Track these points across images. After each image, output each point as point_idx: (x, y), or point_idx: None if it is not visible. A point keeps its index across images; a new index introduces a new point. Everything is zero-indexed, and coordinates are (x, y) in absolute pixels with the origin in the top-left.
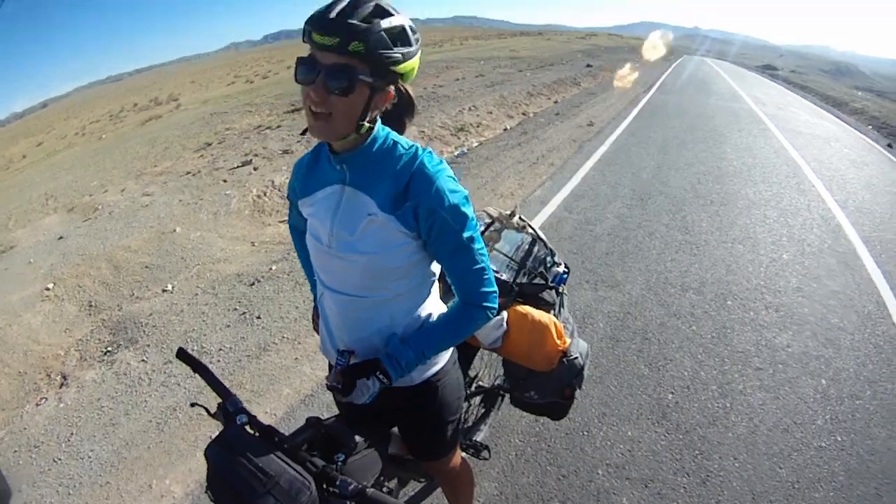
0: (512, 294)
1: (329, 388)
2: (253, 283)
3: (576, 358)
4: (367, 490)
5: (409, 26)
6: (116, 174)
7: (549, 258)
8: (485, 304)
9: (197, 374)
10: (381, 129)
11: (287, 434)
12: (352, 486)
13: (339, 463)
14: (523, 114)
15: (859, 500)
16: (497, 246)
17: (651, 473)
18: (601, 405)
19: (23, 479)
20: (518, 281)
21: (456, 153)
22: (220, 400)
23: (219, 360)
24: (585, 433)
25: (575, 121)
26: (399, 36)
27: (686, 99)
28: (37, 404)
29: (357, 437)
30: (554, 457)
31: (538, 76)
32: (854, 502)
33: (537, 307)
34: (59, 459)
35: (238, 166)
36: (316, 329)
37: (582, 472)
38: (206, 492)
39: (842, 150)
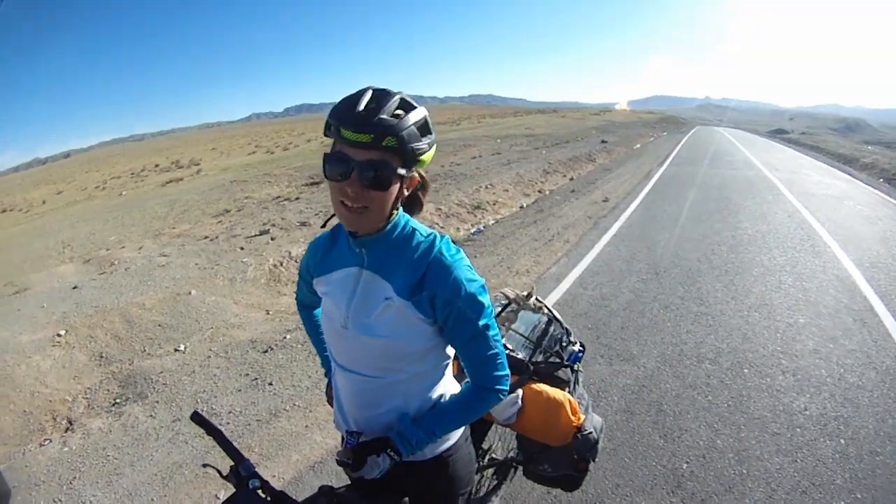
0: (527, 372)
1: (339, 463)
2: (266, 351)
3: (590, 433)
4: None
5: (428, 116)
6: (134, 231)
7: (565, 337)
8: (497, 387)
9: (211, 437)
10: (401, 216)
11: (300, 500)
12: None
13: None
14: (539, 191)
15: None
16: (514, 326)
17: None
18: (615, 476)
19: None
20: (534, 360)
21: (472, 231)
22: (232, 463)
23: (228, 423)
24: None
25: (590, 197)
26: (424, 127)
27: (699, 170)
28: (40, 444)
29: None
30: None
31: (554, 153)
32: None
33: (553, 385)
34: (60, 500)
35: (256, 235)
36: (330, 403)
37: None
38: None
39: (855, 207)
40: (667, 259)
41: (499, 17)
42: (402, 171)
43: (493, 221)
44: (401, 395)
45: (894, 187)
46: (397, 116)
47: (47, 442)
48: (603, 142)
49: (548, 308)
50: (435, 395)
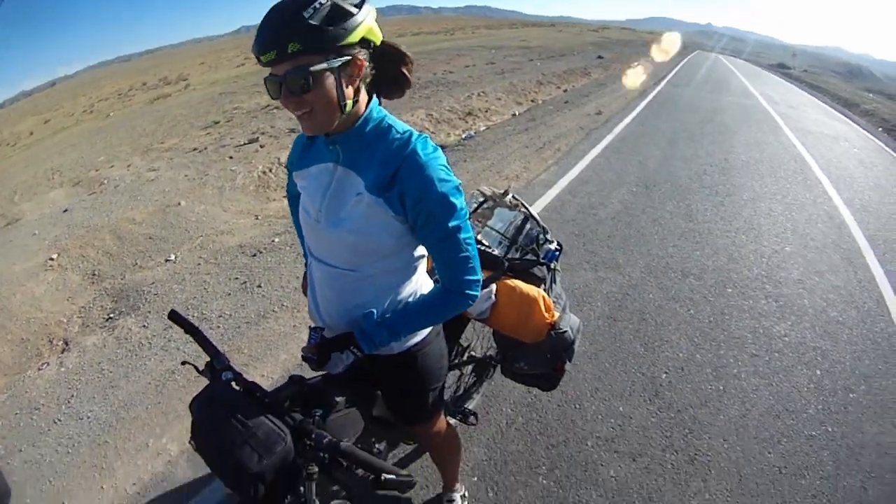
0: (502, 268)
1: (304, 358)
2: (255, 255)
3: (565, 332)
4: (341, 444)
5: (336, 1)
6: (123, 150)
7: (541, 235)
8: (466, 291)
9: (189, 335)
10: (375, 111)
11: (270, 391)
12: (326, 440)
13: (317, 417)
14: (532, 101)
15: (845, 491)
16: (489, 223)
17: (640, 448)
18: (595, 380)
19: (23, 440)
20: (509, 256)
21: (463, 136)
22: (209, 359)
23: (218, 327)
24: (577, 406)
25: (583, 109)
26: (330, 15)
27: (697, 93)
28: (38, 369)
29: (339, 397)
30: (544, 427)
31: (549, 66)
32: (839, 493)
33: (528, 282)
34: (59, 420)
35: (244, 143)
36: (305, 292)
37: (571, 443)
38: (189, 442)
39: (850, 149)
40: (658, 175)
41: None
42: (321, 66)
43: (484, 128)
44: (371, 289)
45: (893, 137)
46: (293, 21)
47: (45, 366)
48: (599, 57)
49: (524, 206)
50: (405, 292)
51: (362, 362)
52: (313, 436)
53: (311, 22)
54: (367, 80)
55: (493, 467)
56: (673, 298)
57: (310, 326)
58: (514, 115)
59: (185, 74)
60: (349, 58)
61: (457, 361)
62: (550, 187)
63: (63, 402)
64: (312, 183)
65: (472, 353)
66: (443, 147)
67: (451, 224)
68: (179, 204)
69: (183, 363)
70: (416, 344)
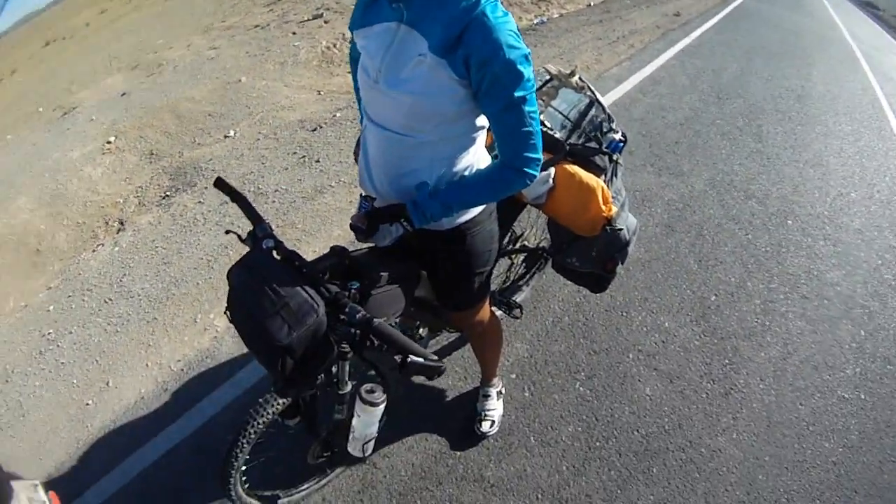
0: (563, 152)
1: (351, 227)
2: (315, 129)
3: (621, 230)
4: (374, 321)
5: None
6: (183, 31)
7: (605, 123)
8: (525, 169)
9: (235, 203)
10: None
11: (310, 261)
12: (359, 315)
13: (353, 290)
14: None
15: (862, 467)
16: (553, 103)
17: (679, 370)
18: (645, 290)
19: (74, 322)
20: (570, 141)
21: (535, 21)
22: (251, 227)
23: (274, 202)
24: (624, 314)
25: (662, 8)
26: None
27: (780, 12)
28: (93, 251)
29: (382, 273)
30: (589, 331)
31: None
32: (857, 468)
33: (588, 170)
34: (110, 300)
35: (308, 19)
36: (356, 159)
37: (613, 353)
38: (224, 313)
39: None
40: (732, 88)
41: None
42: None
43: (557, 15)
44: (427, 157)
45: None
46: None
47: (100, 247)
48: None
49: (591, 89)
50: (461, 164)
51: (411, 237)
52: (346, 310)
53: None
54: None
55: (533, 366)
56: (733, 219)
57: (360, 195)
58: (589, 5)
59: None
60: None
61: (508, 249)
62: (621, 82)
63: (115, 282)
64: (373, 42)
65: (525, 242)
66: None
67: (516, 93)
68: (240, 80)
69: (227, 232)
70: (467, 222)
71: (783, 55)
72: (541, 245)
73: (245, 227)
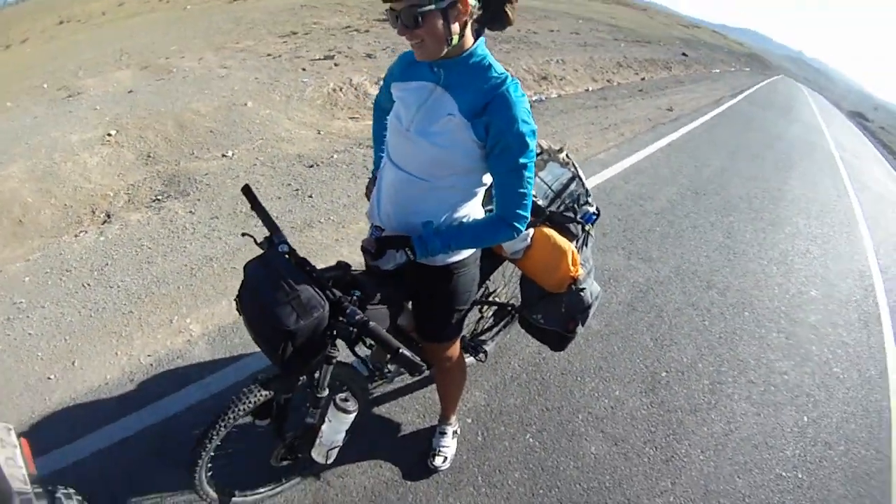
0: (542, 217)
1: (363, 249)
2: (311, 166)
3: (584, 289)
4: (370, 323)
5: None
6: (196, 44)
7: (582, 197)
8: (515, 223)
9: (254, 211)
10: (480, 48)
11: (318, 268)
12: (358, 317)
13: (355, 297)
14: (608, 81)
15: None
16: (541, 174)
17: (624, 434)
18: (601, 359)
19: (47, 298)
20: (551, 208)
21: (534, 98)
22: (268, 234)
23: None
24: (578, 379)
25: (656, 102)
26: None
27: (770, 116)
28: (76, 235)
29: (376, 292)
30: (544, 389)
31: (632, 50)
32: None
33: (562, 234)
34: (88, 285)
35: (319, 59)
36: (368, 195)
37: (564, 412)
38: (234, 299)
39: None
40: (710, 184)
41: None
42: (429, 7)
43: (555, 95)
44: (435, 200)
45: None
46: None
47: (83, 233)
48: (683, 55)
49: (574, 166)
50: (462, 211)
51: (408, 269)
52: (347, 311)
53: None
54: (475, 16)
55: (489, 414)
56: (692, 305)
57: (371, 224)
58: (587, 90)
59: None
60: (456, 1)
61: (481, 300)
62: (607, 167)
63: (96, 270)
64: (410, 95)
65: (496, 297)
66: None
67: (521, 160)
68: (246, 104)
69: (243, 234)
70: (456, 263)
71: (765, 157)
72: (510, 302)
73: (232, 245)
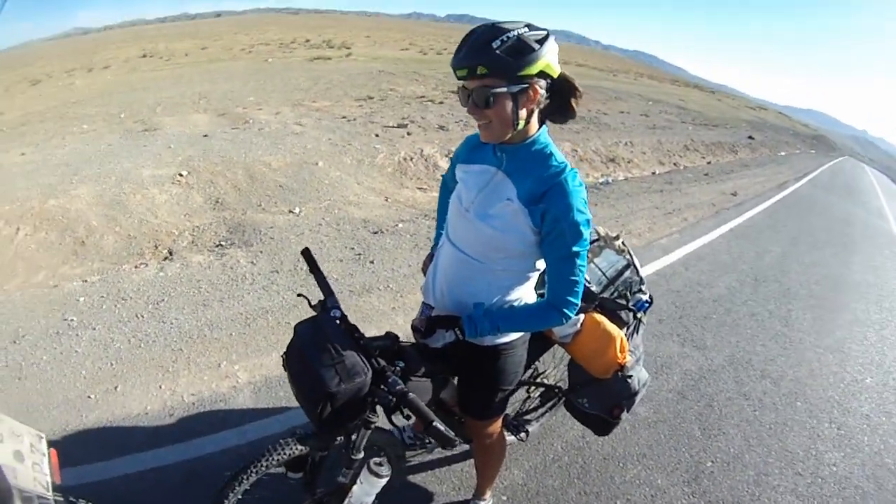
0: (594, 303)
1: (413, 327)
2: (376, 232)
3: (630, 377)
4: (409, 395)
5: (522, 35)
6: (274, 97)
7: (636, 285)
8: (564, 309)
9: (312, 274)
10: (542, 136)
11: (367, 337)
12: (399, 387)
13: (398, 367)
14: (674, 164)
15: None
16: (596, 260)
17: None
18: (645, 447)
19: (100, 321)
20: (603, 294)
21: (601, 180)
22: (322, 298)
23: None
24: (620, 465)
25: (721, 186)
26: (515, 48)
27: (832, 199)
28: (136, 266)
29: (422, 366)
30: (584, 473)
31: (699, 133)
32: None
33: (612, 321)
34: (142, 316)
35: (393, 126)
36: (424, 270)
37: (603, 497)
38: (282, 355)
39: None
40: (770, 271)
41: None
42: (501, 89)
43: (622, 178)
44: (488, 282)
45: None
46: (484, 45)
47: (143, 265)
48: (750, 137)
49: (630, 254)
50: (514, 294)
51: (456, 346)
52: (389, 380)
53: (497, 52)
54: (542, 106)
55: (525, 494)
56: (744, 395)
57: (423, 302)
58: (653, 173)
59: (348, 42)
60: (526, 85)
61: (528, 381)
62: (667, 253)
63: (151, 303)
64: (472, 177)
65: (544, 379)
66: None
67: (574, 248)
68: (317, 164)
69: (298, 295)
70: (505, 344)
71: (827, 242)
72: (557, 384)
73: (288, 301)
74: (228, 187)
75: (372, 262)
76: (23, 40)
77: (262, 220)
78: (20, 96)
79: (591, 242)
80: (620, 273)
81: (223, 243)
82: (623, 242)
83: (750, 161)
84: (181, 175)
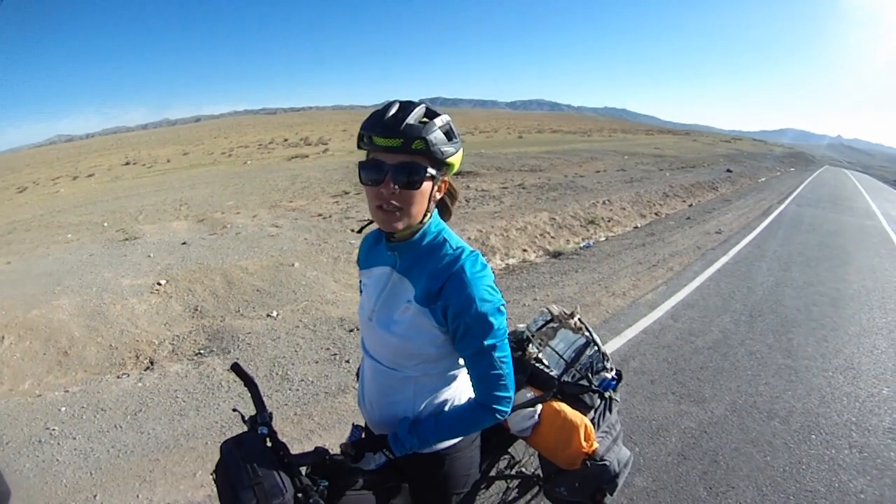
0: (551, 390)
1: (341, 452)
2: (352, 330)
3: (605, 462)
4: None
5: (451, 123)
6: (252, 200)
7: (598, 363)
8: (495, 406)
9: (246, 387)
10: (434, 224)
11: (295, 454)
12: None
13: (321, 487)
14: (656, 214)
15: None
16: (552, 342)
17: None
18: None
19: (80, 430)
20: (563, 379)
21: (581, 245)
22: (253, 414)
23: (297, 390)
24: None
25: (704, 227)
26: (449, 132)
27: (819, 212)
28: (117, 377)
29: (359, 479)
30: None
31: (677, 177)
32: None
33: (575, 407)
34: (121, 427)
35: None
36: (357, 380)
37: None
38: (211, 473)
39: None
40: (765, 303)
41: (636, 31)
42: (432, 172)
43: (603, 238)
44: (410, 390)
45: None
46: (423, 123)
47: (125, 375)
48: (728, 171)
49: (588, 330)
50: (442, 397)
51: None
52: (310, 501)
53: (438, 131)
54: (437, 199)
55: None
56: (752, 442)
57: (353, 423)
58: (635, 227)
59: (325, 138)
60: (443, 175)
61: (505, 473)
62: (654, 308)
63: (130, 413)
64: (372, 283)
65: (522, 469)
66: (559, 254)
67: (486, 342)
68: (293, 265)
69: (233, 410)
70: (448, 448)
71: (820, 259)
72: (536, 473)
73: (266, 406)
74: (206, 294)
75: (347, 362)
76: (11, 146)
77: (241, 326)
78: (7, 203)
79: (546, 323)
80: (581, 352)
81: (202, 351)
82: (580, 319)
83: (731, 195)
84: (160, 284)
